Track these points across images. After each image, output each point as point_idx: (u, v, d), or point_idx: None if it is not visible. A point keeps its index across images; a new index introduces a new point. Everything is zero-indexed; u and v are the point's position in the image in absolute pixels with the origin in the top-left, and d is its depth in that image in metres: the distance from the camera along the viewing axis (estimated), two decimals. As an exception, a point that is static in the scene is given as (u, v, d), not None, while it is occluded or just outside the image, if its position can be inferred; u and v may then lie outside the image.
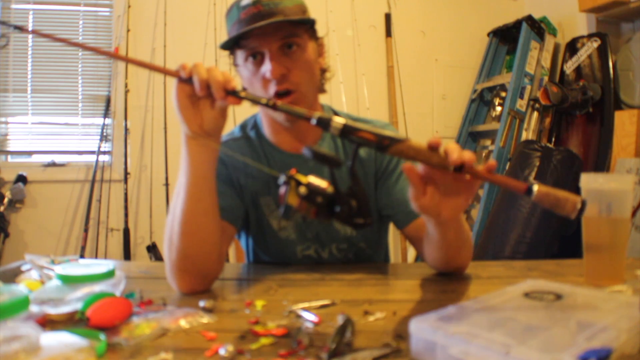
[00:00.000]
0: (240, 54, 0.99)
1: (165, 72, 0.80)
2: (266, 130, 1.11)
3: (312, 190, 0.64)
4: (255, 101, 0.77)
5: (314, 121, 0.69)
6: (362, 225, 0.66)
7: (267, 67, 0.94)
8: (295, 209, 0.65)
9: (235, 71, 1.06)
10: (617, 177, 0.96)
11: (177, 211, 0.86)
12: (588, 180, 0.88)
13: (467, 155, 0.69)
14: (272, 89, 0.96)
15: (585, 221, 0.89)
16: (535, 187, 0.67)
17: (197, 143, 0.83)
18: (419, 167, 0.71)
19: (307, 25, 1.01)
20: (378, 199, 1.11)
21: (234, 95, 0.77)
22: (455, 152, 0.68)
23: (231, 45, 0.99)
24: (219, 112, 0.81)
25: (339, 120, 0.68)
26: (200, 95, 0.78)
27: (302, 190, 0.64)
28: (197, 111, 0.81)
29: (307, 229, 1.11)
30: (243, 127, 1.16)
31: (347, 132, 0.67)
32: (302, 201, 0.64)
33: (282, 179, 0.65)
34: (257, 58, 0.97)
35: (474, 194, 0.74)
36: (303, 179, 0.65)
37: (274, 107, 0.75)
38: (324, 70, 1.09)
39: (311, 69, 1.01)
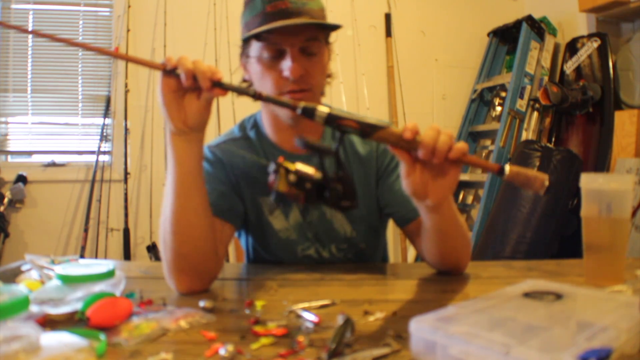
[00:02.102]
0: (256, 47, 0.98)
1: (150, 65, 0.79)
2: (267, 129, 1.11)
3: (301, 177, 0.68)
4: (240, 92, 0.77)
5: (299, 110, 0.71)
6: (349, 207, 0.71)
7: (287, 65, 0.94)
8: (285, 194, 0.69)
9: (241, 62, 1.05)
10: (617, 177, 0.95)
11: (167, 211, 0.86)
12: (588, 180, 0.88)
13: (441, 143, 0.71)
14: (288, 87, 0.96)
15: (585, 221, 0.89)
16: (507, 167, 0.73)
17: (182, 139, 0.82)
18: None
19: (327, 31, 1.01)
20: (379, 197, 1.11)
21: (220, 86, 0.77)
22: (425, 148, 0.71)
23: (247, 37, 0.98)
24: (204, 106, 0.81)
25: (323, 109, 0.70)
26: (186, 86, 0.77)
27: (292, 177, 0.68)
28: (181, 106, 0.80)
29: (307, 228, 1.11)
30: (242, 127, 1.15)
31: (331, 120, 0.70)
32: (292, 187, 0.68)
33: (271, 167, 0.69)
34: (275, 54, 0.96)
35: (459, 175, 0.77)
36: (291, 166, 0.69)
37: (260, 98, 0.76)
38: (328, 75, 1.10)
39: (323, 72, 1.03)
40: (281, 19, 0.92)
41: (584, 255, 0.90)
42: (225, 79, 0.77)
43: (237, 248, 1.47)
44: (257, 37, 0.96)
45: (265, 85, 0.98)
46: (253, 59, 1.00)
